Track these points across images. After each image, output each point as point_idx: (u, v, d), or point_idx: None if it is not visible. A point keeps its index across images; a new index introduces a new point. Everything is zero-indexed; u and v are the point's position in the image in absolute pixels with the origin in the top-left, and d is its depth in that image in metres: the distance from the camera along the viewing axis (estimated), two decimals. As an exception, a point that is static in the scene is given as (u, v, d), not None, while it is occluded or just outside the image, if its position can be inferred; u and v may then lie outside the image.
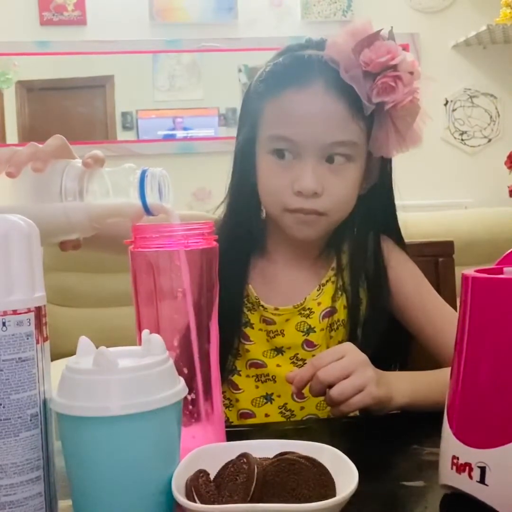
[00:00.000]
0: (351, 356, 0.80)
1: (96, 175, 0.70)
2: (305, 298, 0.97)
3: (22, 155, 0.69)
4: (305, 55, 0.91)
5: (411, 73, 0.86)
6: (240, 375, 0.98)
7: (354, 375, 0.78)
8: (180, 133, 3.29)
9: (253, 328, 0.98)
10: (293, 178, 0.89)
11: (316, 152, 0.88)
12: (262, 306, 0.97)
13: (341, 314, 0.97)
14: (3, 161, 0.69)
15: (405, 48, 3.29)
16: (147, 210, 0.68)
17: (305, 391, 0.82)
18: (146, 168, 0.69)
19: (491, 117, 3.36)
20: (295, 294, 0.98)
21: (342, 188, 0.90)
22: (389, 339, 0.97)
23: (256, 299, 0.97)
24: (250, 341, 0.98)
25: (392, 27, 0.87)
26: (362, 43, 0.85)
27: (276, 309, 0.97)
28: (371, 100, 0.86)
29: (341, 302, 0.98)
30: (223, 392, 0.97)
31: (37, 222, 0.54)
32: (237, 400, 0.98)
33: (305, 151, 0.88)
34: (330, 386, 0.78)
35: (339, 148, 0.89)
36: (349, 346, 0.83)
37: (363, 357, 0.80)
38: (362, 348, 0.82)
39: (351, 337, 0.96)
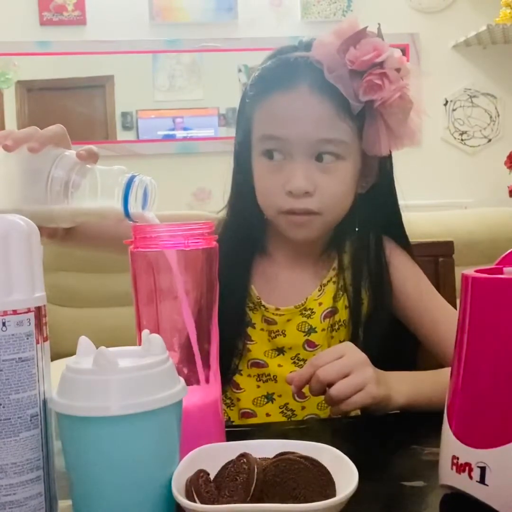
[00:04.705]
0: (350, 355, 0.80)
1: (87, 170, 0.70)
2: (306, 298, 0.97)
3: (21, 132, 0.72)
4: (291, 58, 0.92)
5: (398, 70, 0.86)
6: (241, 374, 0.98)
7: (354, 374, 0.78)
8: (180, 133, 3.29)
9: (254, 328, 0.98)
10: (284, 178, 0.89)
11: (305, 150, 0.88)
12: (264, 306, 0.97)
13: (343, 314, 0.97)
14: (1, 136, 0.72)
15: (405, 48, 3.29)
16: (128, 216, 0.69)
17: (306, 391, 0.82)
18: (135, 174, 0.69)
19: (491, 117, 3.36)
20: (296, 294, 0.98)
21: (334, 186, 0.90)
22: (396, 341, 0.97)
23: (258, 299, 0.97)
24: (252, 340, 0.98)
25: (379, 24, 0.87)
26: (348, 42, 0.85)
27: (277, 309, 0.97)
28: (359, 99, 0.86)
29: (343, 302, 0.97)
30: (224, 392, 0.97)
31: (20, 198, 0.55)
32: (238, 400, 0.98)
33: (294, 151, 0.89)
34: (330, 385, 0.78)
35: (327, 146, 0.89)
36: (348, 346, 0.83)
37: (362, 356, 0.80)
38: (363, 348, 0.82)
39: (353, 337, 0.96)
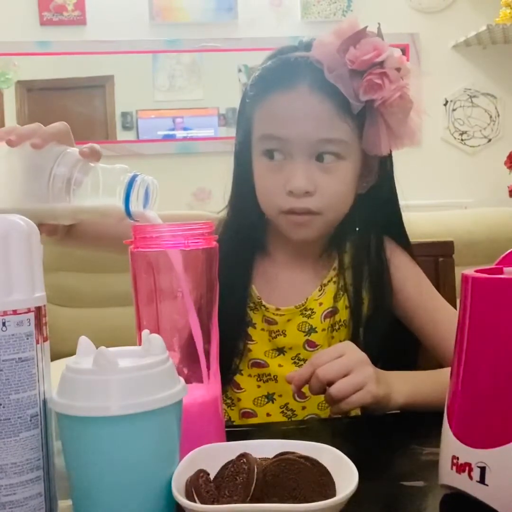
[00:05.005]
0: (350, 354, 0.80)
1: (90, 168, 0.70)
2: (307, 299, 0.97)
3: (25, 128, 0.72)
4: (291, 58, 0.92)
5: (398, 69, 0.86)
6: (242, 374, 0.98)
7: (354, 373, 0.78)
8: (180, 133, 3.29)
9: (255, 327, 0.98)
10: (284, 178, 0.89)
11: (305, 150, 0.88)
12: (264, 306, 0.97)
13: (343, 314, 0.97)
14: (5, 131, 0.72)
15: (405, 48, 3.29)
16: (129, 214, 0.69)
17: (306, 390, 0.82)
18: (137, 173, 0.69)
19: (491, 117, 3.36)
20: (296, 294, 0.98)
21: (334, 186, 0.90)
22: (396, 341, 0.97)
23: (258, 299, 0.97)
24: (252, 340, 0.98)
25: (379, 23, 0.87)
26: (348, 42, 0.85)
27: (278, 309, 0.97)
28: (359, 98, 0.86)
29: (343, 302, 0.97)
30: (225, 392, 0.97)
31: (21, 194, 0.55)
32: (238, 400, 0.98)
33: (294, 150, 0.89)
34: (330, 384, 0.78)
35: (327, 145, 0.89)
36: (348, 345, 0.83)
37: (362, 355, 0.80)
38: (364, 348, 0.82)
39: (353, 337, 0.96)
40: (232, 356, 0.96)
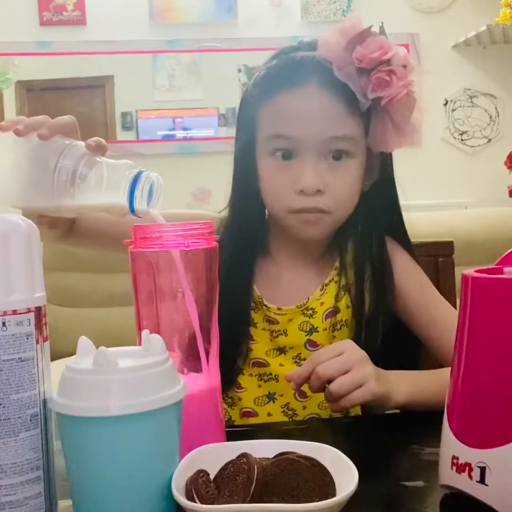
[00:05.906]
0: (350, 352, 0.80)
1: (95, 162, 0.70)
2: (308, 298, 0.97)
3: (32, 119, 0.73)
4: (297, 56, 0.93)
5: (405, 66, 0.86)
6: (243, 374, 0.98)
7: (354, 370, 0.78)
8: (180, 133, 3.29)
9: (256, 327, 0.98)
10: (294, 178, 0.89)
11: (315, 148, 0.88)
12: (265, 305, 0.97)
13: (344, 314, 0.97)
14: (13, 121, 0.72)
15: (405, 48, 3.29)
16: (132, 211, 0.69)
17: (306, 390, 0.82)
18: (143, 169, 0.69)
19: (490, 117, 3.36)
20: (298, 294, 0.98)
21: (344, 184, 0.90)
22: (397, 341, 0.97)
23: (260, 298, 0.97)
24: (254, 340, 0.98)
25: (382, 22, 0.88)
26: (354, 41, 0.86)
27: (279, 309, 0.97)
28: (367, 96, 0.87)
29: (344, 302, 0.97)
30: (226, 391, 0.97)
31: (26, 185, 0.55)
32: (239, 399, 0.98)
33: (304, 149, 0.88)
34: (329, 382, 0.78)
35: (337, 143, 0.89)
36: (348, 343, 0.83)
37: (362, 353, 0.81)
38: (365, 348, 0.82)
39: (355, 337, 0.96)
40: (233, 356, 0.96)
